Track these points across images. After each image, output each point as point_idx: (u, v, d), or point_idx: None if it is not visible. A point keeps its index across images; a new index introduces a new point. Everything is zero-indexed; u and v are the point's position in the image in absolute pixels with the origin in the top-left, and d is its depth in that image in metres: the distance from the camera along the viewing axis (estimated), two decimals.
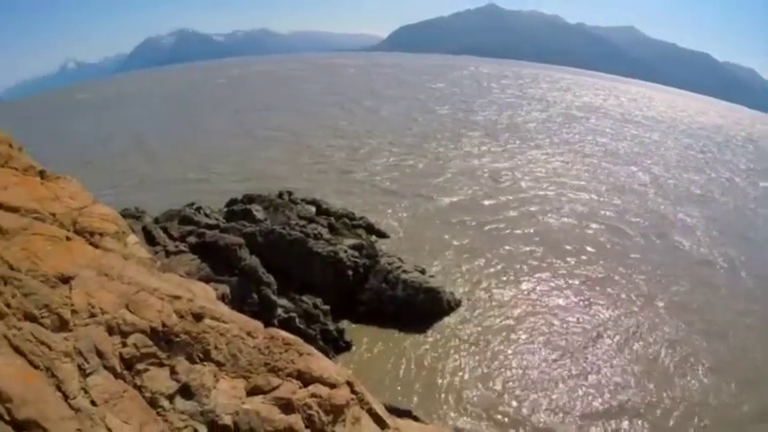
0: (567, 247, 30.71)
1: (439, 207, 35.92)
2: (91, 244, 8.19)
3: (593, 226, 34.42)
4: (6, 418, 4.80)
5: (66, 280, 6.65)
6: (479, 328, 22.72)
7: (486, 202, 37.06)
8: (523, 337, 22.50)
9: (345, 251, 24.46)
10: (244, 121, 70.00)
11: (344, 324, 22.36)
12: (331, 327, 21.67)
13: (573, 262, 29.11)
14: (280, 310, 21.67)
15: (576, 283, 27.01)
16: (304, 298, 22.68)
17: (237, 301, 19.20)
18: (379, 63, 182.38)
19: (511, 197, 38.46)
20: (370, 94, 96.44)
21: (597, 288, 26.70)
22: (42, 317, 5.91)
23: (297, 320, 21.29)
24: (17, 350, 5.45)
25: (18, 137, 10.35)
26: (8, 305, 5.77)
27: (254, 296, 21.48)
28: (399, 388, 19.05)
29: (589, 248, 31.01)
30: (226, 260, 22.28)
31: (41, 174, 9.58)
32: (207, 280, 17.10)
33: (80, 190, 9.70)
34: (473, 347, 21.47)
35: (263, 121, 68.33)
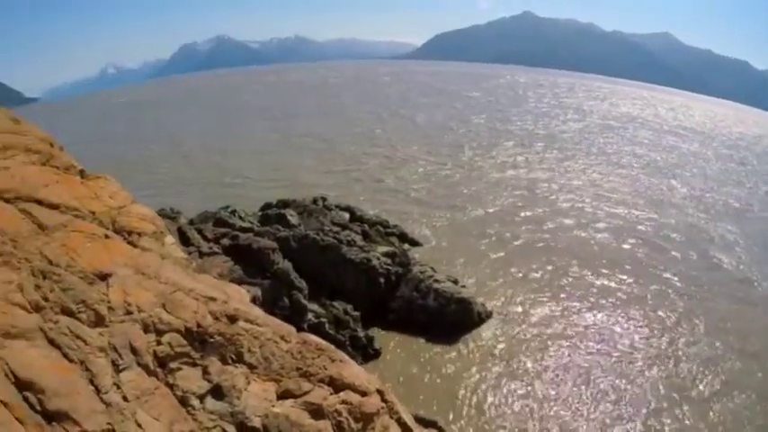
0: (603, 263, 29.93)
1: (473, 217, 35.55)
2: (129, 243, 8.29)
3: (630, 241, 33.53)
4: (38, 408, 4.86)
5: (103, 277, 6.73)
6: (509, 343, 22.21)
7: (522, 214, 36.50)
8: (553, 354, 21.82)
9: (378, 258, 24.36)
10: (279, 127, 70.71)
11: (374, 331, 22.17)
12: (360, 333, 21.54)
13: (608, 278, 28.38)
14: (310, 315, 21.66)
15: (611, 300, 26.22)
16: (335, 304, 22.63)
17: (268, 305, 19.26)
18: (415, 71, 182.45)
19: (547, 209, 37.80)
20: (406, 103, 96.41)
21: (632, 305, 25.86)
22: (79, 312, 5.97)
23: (327, 326, 21.25)
24: (52, 343, 5.51)
25: (58, 137, 10.59)
26: (46, 299, 5.84)
27: (286, 300, 21.53)
28: (422, 398, 18.76)
29: (625, 264, 30.15)
30: (259, 263, 22.41)
31: (82, 173, 9.75)
32: (239, 282, 17.19)
33: (119, 190, 9.85)
34: (501, 363, 20.95)
35: (298, 128, 68.90)
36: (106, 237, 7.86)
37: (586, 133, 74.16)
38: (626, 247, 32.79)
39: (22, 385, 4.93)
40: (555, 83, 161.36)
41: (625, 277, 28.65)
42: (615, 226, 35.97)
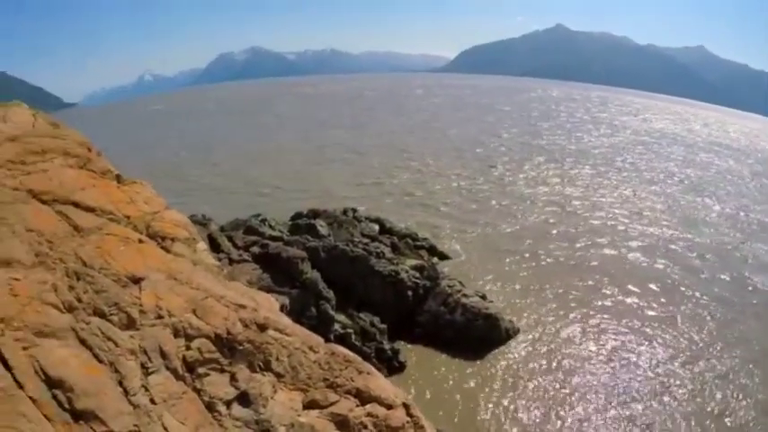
0: (634, 282, 29.20)
1: (503, 232, 35.18)
2: (162, 248, 8.37)
3: (663, 260, 32.69)
4: (66, 406, 4.90)
5: (136, 280, 6.79)
6: (535, 362, 21.73)
7: (553, 231, 35.99)
8: (580, 376, 21.23)
9: (407, 271, 24.27)
10: (312, 138, 71.44)
11: (400, 344, 22.02)
12: (386, 346, 21.43)
13: (639, 298, 27.63)
14: (337, 326, 21.66)
15: (642, 321, 25.48)
16: (362, 315, 22.59)
17: (296, 314, 19.30)
18: (448, 84, 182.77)
19: (578, 226, 37.22)
20: (438, 116, 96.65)
21: (664, 327, 25.07)
22: (111, 314, 6.03)
23: (353, 337, 21.21)
24: (83, 343, 5.58)
25: (94, 141, 10.80)
26: (79, 300, 5.92)
27: (313, 310, 21.56)
28: (442, 413, 18.46)
29: (657, 284, 29.34)
30: (287, 272, 22.51)
31: (118, 178, 9.92)
32: (267, 290, 17.26)
33: (154, 195, 9.99)
34: (527, 382, 20.47)
35: (331, 140, 69.56)
36: (140, 241, 7.96)
37: (619, 149, 73.15)
38: (658, 266, 31.96)
39: (51, 383, 4.99)
40: (587, 97, 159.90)
41: (657, 297, 27.88)
42: (647, 244, 35.15)
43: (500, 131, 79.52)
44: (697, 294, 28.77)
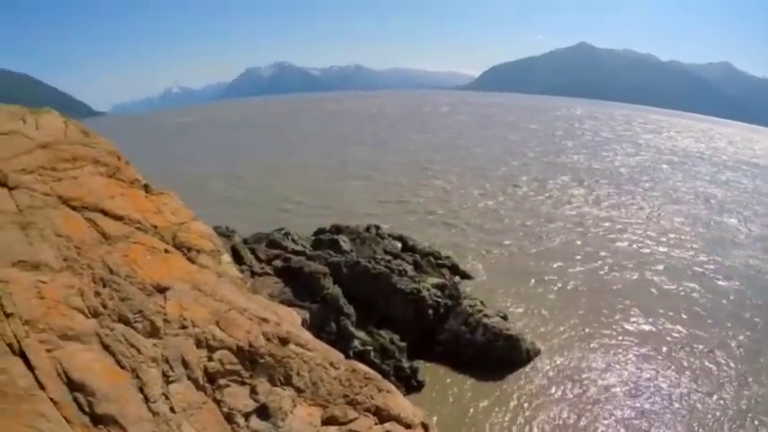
0: (660, 306, 28.49)
1: (527, 253, 34.78)
2: (188, 259, 8.43)
3: (689, 284, 31.88)
4: (86, 409, 4.94)
5: (161, 290, 6.84)
6: (555, 386, 21.27)
7: (577, 252, 35.46)
8: (600, 403, 20.64)
9: (428, 289, 24.10)
10: (336, 154, 71.94)
11: (419, 363, 21.81)
12: (405, 364, 21.25)
13: (665, 323, 26.90)
14: (356, 342, 21.56)
15: (667, 348, 24.74)
16: (382, 332, 22.45)
17: (315, 329, 19.25)
18: (472, 102, 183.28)
19: (602, 248, 36.61)
20: (462, 134, 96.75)
21: (690, 355, 24.27)
22: (135, 321, 6.08)
23: (372, 354, 21.07)
24: (107, 349, 5.62)
25: (122, 150, 10.96)
26: (105, 306, 5.98)
27: (333, 325, 21.51)
28: None
29: (683, 309, 28.58)
30: (309, 287, 22.53)
31: (146, 188, 10.03)
32: (288, 304, 17.25)
33: (181, 207, 10.08)
34: (545, 406, 20.03)
35: (354, 156, 69.96)
36: (166, 251, 8.03)
37: (644, 168, 72.38)
38: (684, 290, 31.20)
39: (73, 386, 5.04)
40: (611, 115, 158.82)
41: (683, 322, 27.16)
42: (673, 267, 34.41)
43: (524, 150, 79.27)
44: (724, 319, 27.93)
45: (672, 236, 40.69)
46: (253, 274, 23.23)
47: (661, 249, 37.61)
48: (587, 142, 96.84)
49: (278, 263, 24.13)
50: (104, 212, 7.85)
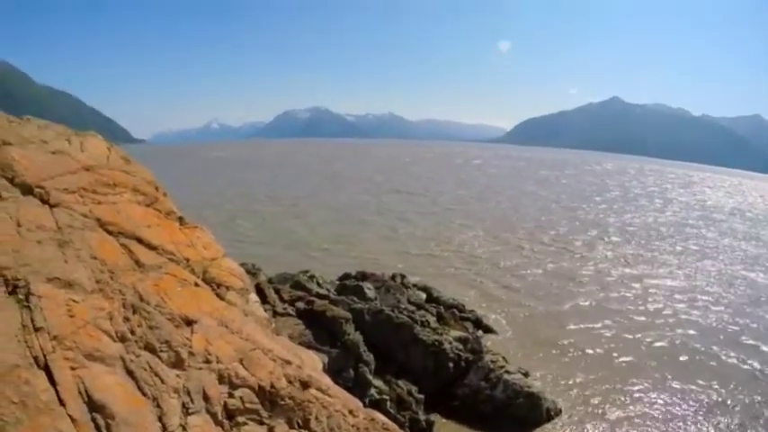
0: (689, 369, 27.25)
1: (553, 310, 34.05)
2: (217, 295, 8.53)
3: (724, 345, 30.53)
4: (104, 431, 4.96)
5: (189, 323, 6.91)
6: None
7: (604, 311, 34.58)
8: None
9: (450, 342, 23.65)
10: (368, 201, 72.61)
11: (435, 417, 21.18)
12: (421, 417, 20.66)
13: (693, 386, 25.56)
14: (373, 391, 21.11)
15: (696, 412, 23.45)
16: (399, 383, 21.96)
17: (332, 373, 18.89)
18: (504, 155, 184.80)
19: (631, 307, 35.62)
20: (494, 188, 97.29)
21: (719, 421, 23.03)
22: (161, 350, 6.12)
23: (388, 404, 20.56)
24: (130, 374, 5.67)
25: (158, 177, 11.19)
26: (132, 332, 6.03)
27: (351, 372, 21.12)
28: None
29: (716, 371, 27.22)
30: (330, 331, 22.29)
31: (180, 220, 10.22)
32: (308, 346, 17.17)
33: (212, 242, 10.23)
34: None
35: (387, 204, 70.47)
36: (196, 285, 8.14)
37: (676, 224, 71.39)
38: (717, 353, 29.84)
39: (93, 406, 5.07)
40: (642, 170, 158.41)
41: (712, 385, 25.85)
42: (709, 328, 33.18)
43: (554, 206, 79.01)
44: (754, 383, 26.55)
45: (704, 296, 39.47)
46: (275, 313, 23.12)
47: (696, 308, 36.49)
48: (617, 198, 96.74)
49: (301, 305, 24.00)
50: (140, 240, 8.00)
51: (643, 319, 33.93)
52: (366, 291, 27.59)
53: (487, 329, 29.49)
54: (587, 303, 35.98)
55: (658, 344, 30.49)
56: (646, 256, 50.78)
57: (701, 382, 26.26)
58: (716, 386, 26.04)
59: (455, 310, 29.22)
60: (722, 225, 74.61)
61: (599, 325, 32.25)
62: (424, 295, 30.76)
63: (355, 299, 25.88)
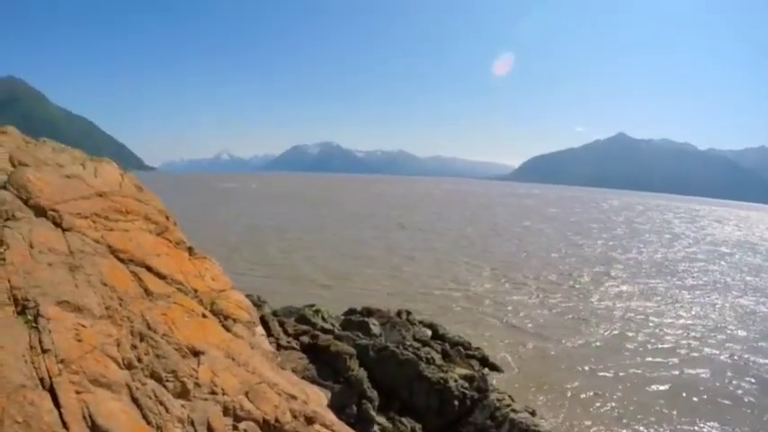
0: (708, 406, 26.62)
1: (561, 348, 33.53)
2: (224, 326, 8.53)
3: (741, 382, 29.85)
4: None
5: (196, 353, 6.90)
6: None
7: (615, 348, 33.99)
8: None
9: (455, 380, 23.27)
10: (377, 236, 72.68)
11: None
12: None
13: (711, 423, 25.06)
14: (376, 428, 20.74)
15: None
16: (403, 420, 21.59)
17: (335, 409, 18.52)
18: (512, 193, 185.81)
19: (642, 344, 34.99)
20: (502, 225, 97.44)
21: None
22: (167, 380, 6.08)
23: None
24: (135, 402, 5.65)
25: (169, 206, 11.26)
26: (139, 360, 6.01)
27: (354, 408, 20.79)
28: None
29: (733, 408, 26.59)
30: (334, 366, 22.05)
31: (190, 250, 10.25)
32: (311, 381, 17.00)
33: (220, 274, 10.26)
34: None
35: (394, 240, 70.55)
36: (204, 316, 8.14)
37: (686, 259, 70.96)
38: (734, 392, 29.17)
39: (96, 431, 5.06)
40: (650, 206, 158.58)
41: (729, 424, 25.27)
42: (724, 363, 32.50)
43: (563, 243, 78.80)
44: None
45: (717, 332, 38.78)
46: (279, 346, 22.91)
47: (711, 343, 35.86)
48: (624, 234, 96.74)
49: (305, 338, 23.81)
50: (149, 269, 8.03)
51: (654, 356, 33.33)
52: (371, 327, 27.36)
53: (494, 367, 29.08)
54: (596, 341, 35.47)
55: (671, 383, 29.84)
56: (655, 291, 50.28)
57: (714, 424, 25.67)
58: (731, 423, 25.47)
59: (461, 347, 28.86)
60: (731, 259, 74.34)
61: (609, 363, 31.70)
62: (429, 332, 30.44)
63: (360, 334, 25.65)
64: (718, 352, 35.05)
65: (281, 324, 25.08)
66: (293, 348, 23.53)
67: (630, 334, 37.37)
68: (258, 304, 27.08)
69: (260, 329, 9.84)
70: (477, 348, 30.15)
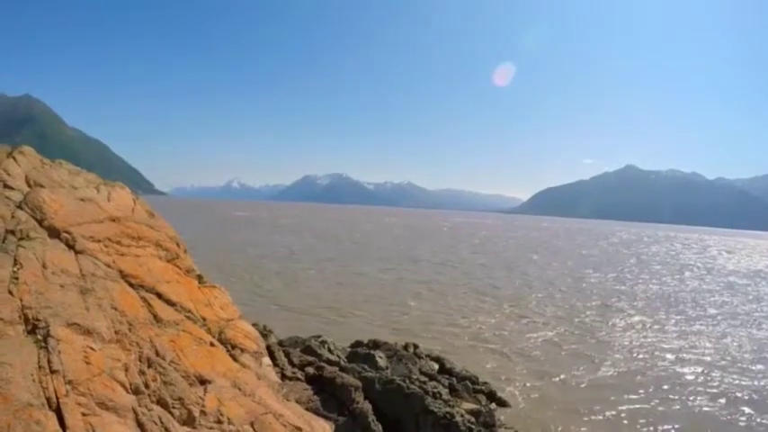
0: None
1: (572, 382, 32.91)
2: (231, 356, 8.54)
3: (753, 414, 29.16)
4: None
5: (203, 381, 6.90)
6: None
7: (629, 382, 33.21)
8: None
9: (462, 415, 22.90)
10: (385, 269, 72.49)
11: None
12: None
13: None
14: None
15: None
16: None
17: None
18: (522, 225, 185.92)
19: (658, 378, 34.18)
20: (515, 258, 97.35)
21: None
22: (174, 407, 6.05)
23: None
24: (141, 426, 5.61)
25: (179, 232, 11.34)
26: (147, 386, 6.00)
27: None
28: None
29: None
30: (339, 399, 21.77)
31: (199, 278, 10.31)
32: (315, 412, 16.87)
33: (229, 303, 10.30)
34: None
35: (403, 272, 70.22)
36: (212, 344, 8.18)
37: (700, 291, 69.80)
38: (755, 421, 28.48)
39: None
40: (660, 237, 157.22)
41: None
42: (742, 399, 31.68)
43: (572, 276, 78.26)
44: None
45: (734, 365, 37.77)
46: (284, 377, 22.69)
47: (729, 379, 34.93)
48: (634, 266, 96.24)
49: (310, 370, 23.57)
50: (159, 295, 8.07)
51: (669, 392, 32.56)
52: (377, 359, 27.11)
53: (501, 402, 28.58)
54: (608, 376, 34.78)
55: (688, 414, 29.05)
56: (668, 324, 49.48)
57: None
58: None
59: (468, 381, 28.48)
60: (746, 289, 73.42)
61: (622, 398, 31.01)
62: (436, 366, 30.09)
63: (366, 367, 25.41)
64: (736, 386, 34.18)
65: (287, 354, 24.94)
66: (298, 379, 23.34)
67: (644, 368, 36.62)
68: (264, 333, 26.95)
69: (267, 360, 9.83)
70: (485, 383, 29.73)
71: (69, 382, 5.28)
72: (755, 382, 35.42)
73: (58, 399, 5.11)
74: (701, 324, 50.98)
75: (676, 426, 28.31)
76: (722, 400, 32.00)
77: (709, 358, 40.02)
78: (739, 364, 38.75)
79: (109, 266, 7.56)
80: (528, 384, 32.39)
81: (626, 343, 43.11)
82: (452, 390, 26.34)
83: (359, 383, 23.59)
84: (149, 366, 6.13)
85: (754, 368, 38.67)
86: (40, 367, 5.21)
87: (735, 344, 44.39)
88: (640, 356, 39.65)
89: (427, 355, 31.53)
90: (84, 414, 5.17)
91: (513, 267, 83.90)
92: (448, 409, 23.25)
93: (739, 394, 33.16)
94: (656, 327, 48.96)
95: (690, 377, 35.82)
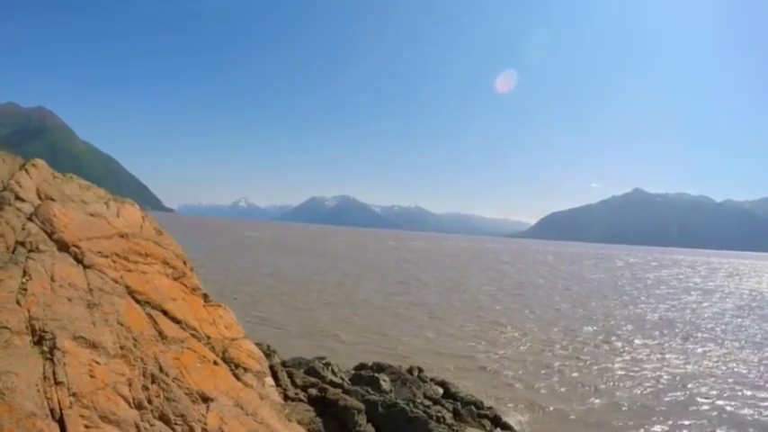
0: None
1: (582, 410, 32.41)
2: (234, 375, 8.53)
3: None
4: None
5: (205, 399, 6.91)
6: None
7: (641, 408, 32.67)
8: None
9: None
10: (393, 292, 72.47)
11: None
12: None
13: None
14: None
15: None
16: None
17: None
18: (529, 250, 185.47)
19: (673, 404, 33.65)
20: (521, 283, 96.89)
21: None
22: (176, 423, 6.06)
23: None
24: None
25: (186, 250, 11.41)
26: (150, 401, 6.02)
27: None
28: None
29: None
30: (342, 421, 21.59)
31: (205, 297, 10.36)
32: None
33: (233, 322, 10.34)
34: None
35: (410, 296, 70.19)
36: (215, 363, 8.20)
37: (711, 315, 69.27)
38: None
39: None
40: (667, 261, 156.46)
41: None
42: (758, 424, 31.14)
43: (585, 301, 77.84)
44: None
45: (753, 390, 37.14)
46: (286, 397, 22.56)
47: (744, 403, 34.30)
48: (644, 290, 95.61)
49: (313, 391, 23.43)
50: (165, 312, 8.13)
51: (684, 418, 32.04)
52: (381, 382, 26.91)
53: (506, 427, 28.17)
54: (619, 403, 34.22)
55: None
56: (681, 350, 48.81)
57: None
58: None
59: (473, 406, 28.16)
60: (759, 311, 73.05)
61: (632, 422, 30.58)
62: (441, 390, 29.82)
63: (370, 390, 25.21)
64: (754, 412, 33.65)
65: (290, 375, 24.79)
66: (301, 400, 23.17)
67: (657, 392, 36.02)
68: (268, 354, 26.85)
69: (270, 380, 9.81)
70: (490, 408, 29.38)
71: (73, 394, 5.29)
72: (763, 404, 34.79)
73: (61, 410, 5.14)
74: (717, 346, 49.87)
75: None
76: (742, 428, 31.22)
77: (726, 383, 38.74)
78: (760, 390, 37.28)
79: (116, 282, 7.65)
80: (535, 410, 31.89)
81: (637, 369, 42.36)
82: (456, 414, 26.07)
83: (362, 406, 23.38)
84: (153, 382, 6.16)
85: (757, 388, 37.53)
86: (44, 378, 5.26)
87: (755, 369, 43.09)
88: (653, 383, 38.83)
89: (432, 379, 31.28)
90: (86, 426, 5.18)
91: (519, 293, 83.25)
92: None
93: (762, 419, 32.59)
94: (668, 352, 48.05)
95: (709, 404, 34.37)
